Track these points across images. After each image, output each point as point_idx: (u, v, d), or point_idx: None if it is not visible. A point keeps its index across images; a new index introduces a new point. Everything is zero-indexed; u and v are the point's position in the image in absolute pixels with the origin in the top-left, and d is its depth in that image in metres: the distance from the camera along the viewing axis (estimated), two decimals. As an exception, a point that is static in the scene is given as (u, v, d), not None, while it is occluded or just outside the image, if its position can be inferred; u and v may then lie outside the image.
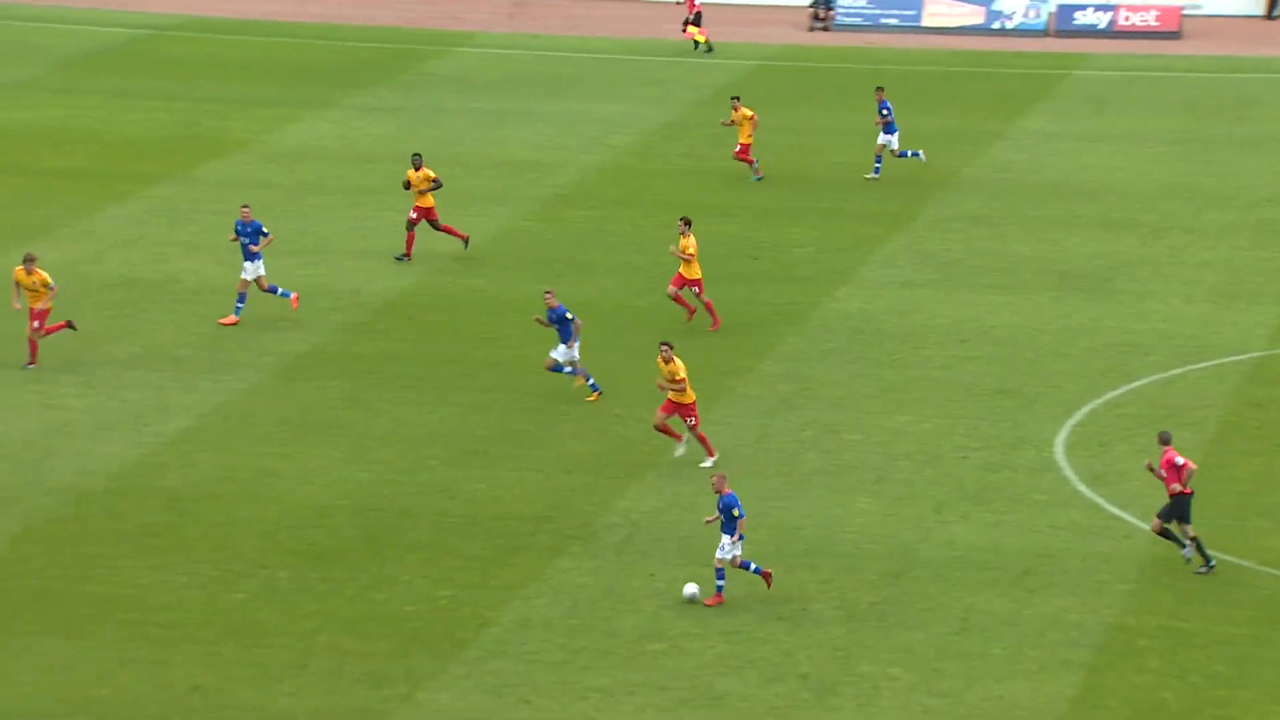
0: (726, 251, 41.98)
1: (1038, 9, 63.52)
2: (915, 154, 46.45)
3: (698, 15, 59.99)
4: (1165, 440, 27.93)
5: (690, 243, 36.50)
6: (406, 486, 30.50)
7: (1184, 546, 27.82)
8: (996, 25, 63.48)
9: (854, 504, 30.12)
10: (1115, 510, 29.49)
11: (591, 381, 33.22)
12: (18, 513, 29.40)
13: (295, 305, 37.09)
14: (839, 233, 43.38)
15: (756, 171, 46.13)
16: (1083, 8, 63.34)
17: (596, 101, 54.32)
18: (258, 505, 29.77)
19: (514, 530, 29.13)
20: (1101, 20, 63.32)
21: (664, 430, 30.87)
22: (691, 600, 26.70)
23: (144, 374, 34.77)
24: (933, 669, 25.53)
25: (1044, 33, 63.32)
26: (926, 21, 63.83)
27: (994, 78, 58.37)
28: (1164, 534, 27.86)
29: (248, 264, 36.77)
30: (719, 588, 26.84)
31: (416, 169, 39.99)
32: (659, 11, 62.81)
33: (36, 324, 34.31)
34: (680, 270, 36.68)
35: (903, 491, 30.58)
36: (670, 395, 30.69)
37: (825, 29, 64.09)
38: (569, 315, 33.18)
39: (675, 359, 30.65)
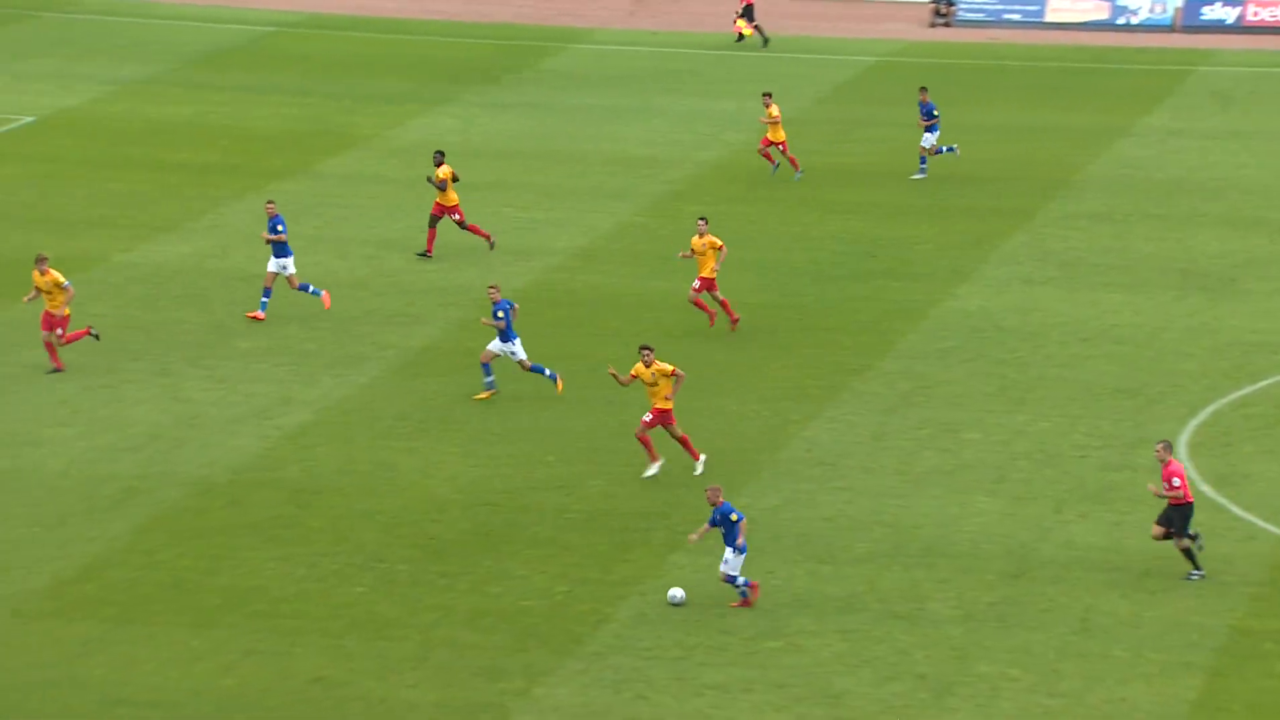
0: (845, 248, 41.83)
1: (1163, 4, 62.69)
2: (951, 149, 45.70)
3: (747, 9, 59.74)
4: (1168, 449, 27.30)
5: (703, 242, 36.09)
6: (524, 482, 30.67)
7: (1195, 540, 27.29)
8: (1121, 21, 62.75)
9: (972, 503, 29.94)
10: (1239, 512, 29.11)
11: (490, 379, 33.14)
12: (146, 504, 29.87)
13: (327, 304, 36.88)
14: (959, 230, 43.10)
15: (774, 162, 45.54)
16: (1210, 2, 62.46)
17: (713, 98, 54.29)
18: (377, 499, 30.06)
19: (631, 526, 29.22)
20: (1229, 15, 62.40)
21: (684, 442, 30.46)
22: (674, 602, 26.42)
23: (268, 367, 35.21)
24: (1052, 670, 25.34)
25: (1169, 28, 62.49)
26: (1050, 17, 63.22)
27: (1118, 74, 57.72)
28: (1171, 543, 27.38)
29: (286, 260, 36.76)
30: (742, 594, 26.55)
31: (438, 166, 39.87)
32: (778, 7, 62.65)
33: (59, 330, 34.10)
34: (699, 272, 36.38)
35: (1021, 491, 30.36)
36: (656, 403, 30.21)
37: (946, 25, 63.67)
38: (501, 314, 33.00)
39: (656, 361, 30.26)
